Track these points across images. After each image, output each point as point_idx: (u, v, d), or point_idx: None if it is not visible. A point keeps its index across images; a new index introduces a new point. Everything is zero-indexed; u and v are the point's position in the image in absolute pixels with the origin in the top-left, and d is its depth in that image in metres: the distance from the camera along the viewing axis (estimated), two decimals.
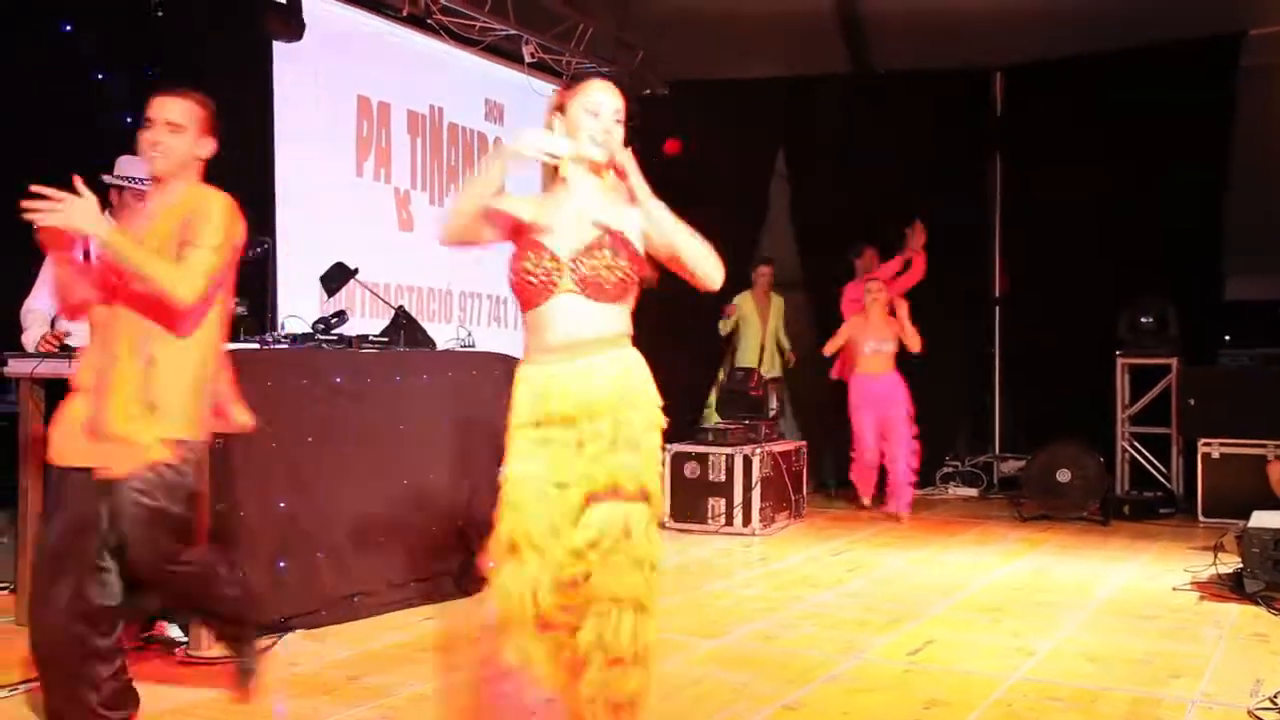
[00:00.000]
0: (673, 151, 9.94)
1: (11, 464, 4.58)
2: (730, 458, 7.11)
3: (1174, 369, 8.16)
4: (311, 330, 5.06)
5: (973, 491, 9.08)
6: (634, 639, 2.67)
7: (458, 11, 8.06)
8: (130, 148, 5.79)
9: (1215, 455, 7.56)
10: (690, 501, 7.19)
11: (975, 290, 9.42)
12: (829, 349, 8.06)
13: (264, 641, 4.18)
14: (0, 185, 5.23)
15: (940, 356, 8.22)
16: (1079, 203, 8.57)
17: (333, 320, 5.20)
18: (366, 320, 6.88)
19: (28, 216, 2.94)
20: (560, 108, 2.81)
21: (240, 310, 4.65)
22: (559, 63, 9.31)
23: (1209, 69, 8.48)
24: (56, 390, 4.76)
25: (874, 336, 7.86)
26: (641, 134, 9.99)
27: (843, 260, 8.86)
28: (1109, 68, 8.68)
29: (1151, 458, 8.38)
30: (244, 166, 6.89)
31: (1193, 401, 7.85)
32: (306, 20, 6.79)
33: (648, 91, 9.92)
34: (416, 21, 7.93)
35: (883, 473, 7.95)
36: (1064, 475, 7.67)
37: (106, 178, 5.27)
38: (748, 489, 7.06)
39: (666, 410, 2.88)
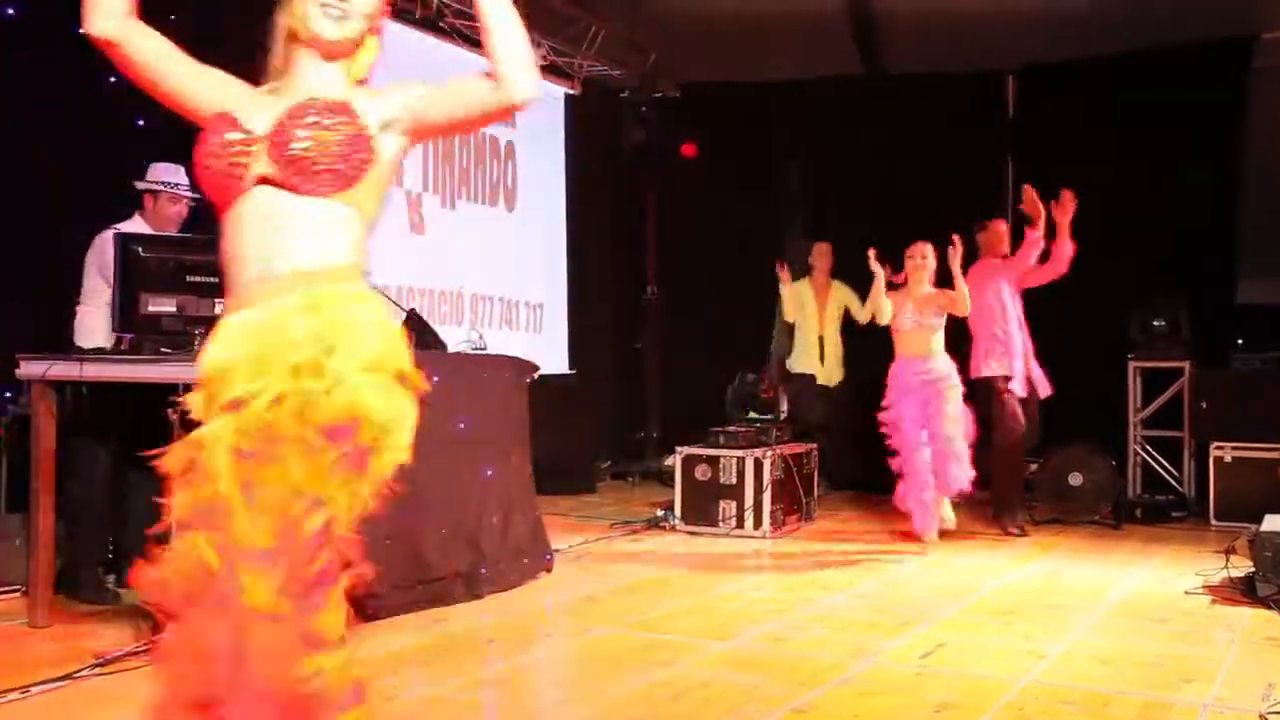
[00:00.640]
0: (689, 155, 9.97)
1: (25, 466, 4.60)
2: (741, 460, 7.11)
3: (1186, 372, 8.14)
4: None
5: (984, 494, 9.03)
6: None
7: (468, 14, 8.07)
8: (148, 151, 5.87)
9: (1227, 459, 7.53)
10: (701, 504, 7.18)
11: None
12: (865, 315, 6.94)
13: None
14: (13, 188, 5.34)
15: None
16: (1091, 205, 8.52)
17: None
18: None
19: None
20: None
21: None
22: (570, 65, 9.34)
23: (1221, 72, 8.47)
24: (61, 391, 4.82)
25: (917, 308, 6.68)
26: (655, 136, 10.07)
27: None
28: (1121, 70, 8.67)
29: (1164, 461, 8.36)
30: None
31: (1205, 405, 7.83)
32: None
33: (659, 94, 9.93)
34: (429, 25, 7.95)
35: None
36: (1076, 479, 7.64)
37: (139, 184, 5.30)
38: (759, 491, 7.05)
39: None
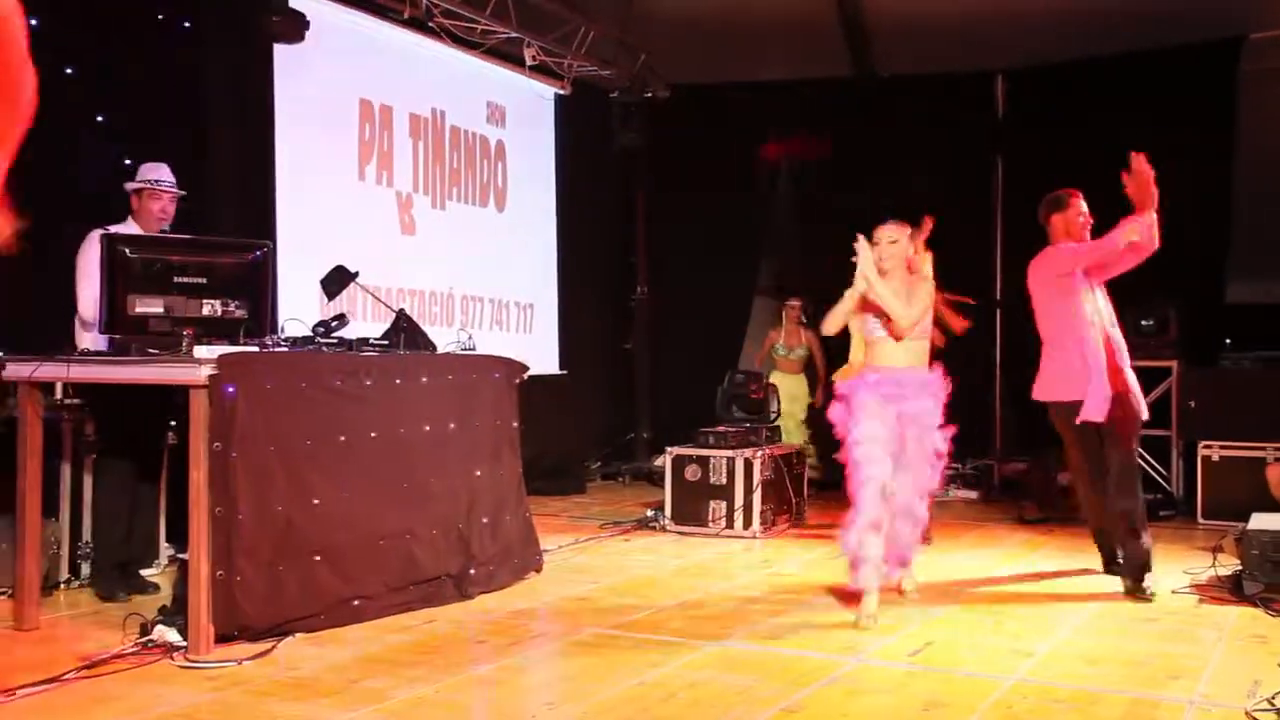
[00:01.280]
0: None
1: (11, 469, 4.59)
2: (731, 461, 7.11)
3: (1174, 371, 8.16)
4: (311, 333, 5.06)
5: (974, 494, 9.07)
6: None
7: (459, 14, 8.08)
8: (122, 147, 5.86)
9: (1215, 457, 7.56)
10: (691, 504, 7.19)
11: (977, 292, 9.41)
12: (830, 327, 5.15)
13: (263, 645, 4.21)
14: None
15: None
16: None
17: (333, 323, 5.21)
18: (367, 323, 6.89)
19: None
20: None
21: (240, 313, 4.67)
22: (560, 65, 9.34)
23: (1210, 72, 8.49)
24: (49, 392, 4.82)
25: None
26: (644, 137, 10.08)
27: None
28: (1110, 71, 8.70)
29: (1152, 460, 8.37)
30: (245, 169, 6.93)
31: (1193, 404, 7.86)
32: (308, 23, 6.81)
33: (649, 94, 9.93)
34: (418, 24, 7.95)
35: None
36: (1065, 478, 7.65)
37: (128, 185, 5.30)
38: (749, 492, 7.06)
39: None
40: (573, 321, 9.93)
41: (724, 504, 7.10)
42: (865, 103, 9.50)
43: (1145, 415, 5.51)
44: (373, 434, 4.83)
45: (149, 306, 4.46)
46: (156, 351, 4.31)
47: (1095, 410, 5.28)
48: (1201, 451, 7.62)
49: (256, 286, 4.78)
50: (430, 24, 7.98)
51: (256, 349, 4.53)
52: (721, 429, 7.50)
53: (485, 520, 5.42)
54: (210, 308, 4.59)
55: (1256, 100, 8.43)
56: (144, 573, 5.34)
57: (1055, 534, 7.25)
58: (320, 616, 4.48)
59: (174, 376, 4.26)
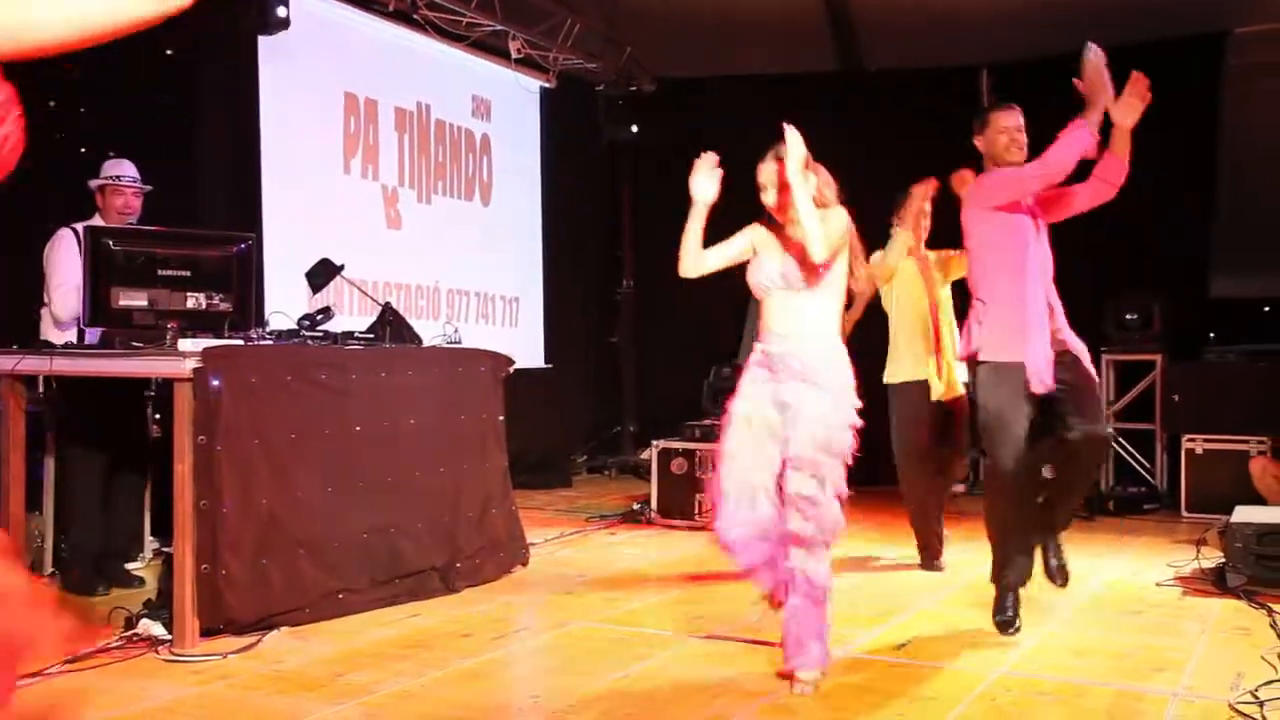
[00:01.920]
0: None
1: None
2: (717, 453, 7.11)
3: (1159, 365, 8.19)
4: (297, 326, 5.05)
5: (959, 488, 9.08)
6: None
7: (444, 7, 8.05)
8: (106, 142, 5.83)
9: (1199, 451, 7.59)
10: (677, 497, 7.19)
11: (964, 286, 9.43)
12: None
13: (248, 639, 4.20)
14: None
15: None
16: None
17: (318, 316, 5.20)
18: (353, 317, 6.88)
19: None
20: None
21: (224, 306, 4.65)
22: (546, 59, 9.32)
23: (1194, 67, 8.51)
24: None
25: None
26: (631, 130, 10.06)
27: None
28: None
29: (1136, 453, 8.41)
30: (229, 162, 6.90)
31: (1177, 397, 7.88)
32: (291, 14, 6.77)
33: (635, 88, 9.92)
34: (402, 17, 7.92)
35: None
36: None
37: (92, 182, 5.29)
38: None
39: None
40: (558, 315, 9.92)
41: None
42: (851, 97, 9.50)
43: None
44: (358, 427, 4.82)
45: (133, 299, 4.45)
46: (141, 345, 4.30)
47: (1039, 377, 4.31)
48: (1185, 445, 7.64)
49: (241, 280, 4.77)
50: (415, 17, 7.95)
51: (241, 342, 4.52)
52: (707, 422, 7.50)
53: (471, 514, 5.42)
54: (195, 301, 4.57)
55: (1241, 94, 8.46)
56: (130, 566, 5.32)
57: None
58: (305, 610, 4.47)
59: (158, 370, 4.25)
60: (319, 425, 4.65)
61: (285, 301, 6.02)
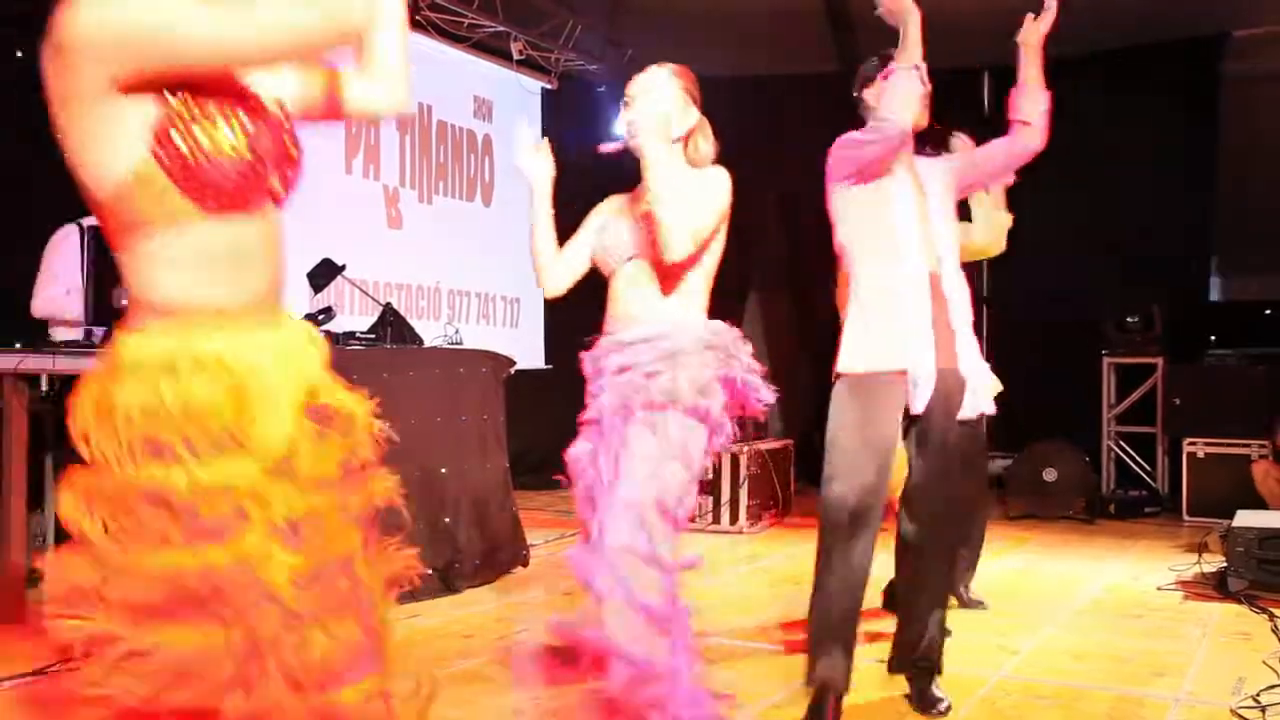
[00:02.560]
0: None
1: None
2: (718, 455, 7.11)
3: (1159, 368, 8.19)
4: None
5: None
6: None
7: (446, 8, 8.05)
8: None
9: (1200, 454, 7.59)
10: None
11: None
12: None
13: None
14: None
15: None
16: (1065, 203, 8.60)
17: (319, 317, 5.20)
18: (354, 317, 6.87)
19: None
20: None
21: None
22: (548, 60, 9.32)
23: (1193, 70, 8.52)
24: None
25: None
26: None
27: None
28: (1094, 68, 8.70)
29: (1137, 457, 8.41)
30: None
31: (1178, 401, 7.88)
32: None
33: None
34: None
35: None
36: (1050, 474, 7.68)
37: None
38: (735, 486, 7.06)
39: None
40: (559, 316, 9.89)
41: (710, 499, 7.11)
42: (852, 98, 9.49)
43: (987, 409, 3.71)
44: None
45: None
46: None
47: (920, 395, 3.41)
48: (1186, 448, 7.64)
49: None
50: (417, 18, 7.95)
51: None
52: None
53: (471, 514, 5.41)
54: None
55: (1240, 98, 8.46)
56: None
57: (1040, 530, 7.27)
58: None
59: None
60: None
61: (286, 301, 6.01)
